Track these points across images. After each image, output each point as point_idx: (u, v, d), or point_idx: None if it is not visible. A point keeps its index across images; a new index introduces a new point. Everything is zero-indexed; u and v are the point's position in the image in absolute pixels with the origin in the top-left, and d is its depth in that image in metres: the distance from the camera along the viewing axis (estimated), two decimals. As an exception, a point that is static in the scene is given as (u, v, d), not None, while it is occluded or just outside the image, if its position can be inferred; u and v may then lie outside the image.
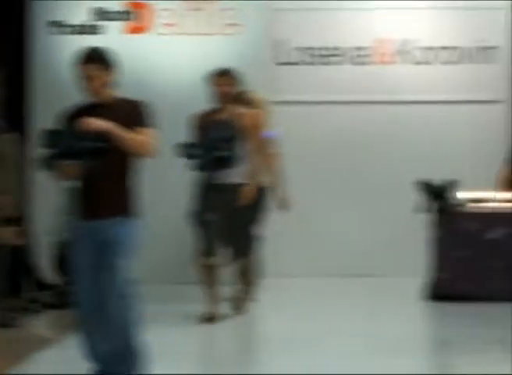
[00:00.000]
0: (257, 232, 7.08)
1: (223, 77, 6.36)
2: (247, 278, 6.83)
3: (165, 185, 8.40)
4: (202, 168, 6.36)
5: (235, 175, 6.38)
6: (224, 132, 6.30)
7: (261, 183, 6.65)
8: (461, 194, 7.77)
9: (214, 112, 6.41)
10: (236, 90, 6.47)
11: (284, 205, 7.13)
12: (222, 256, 6.63)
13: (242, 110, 6.47)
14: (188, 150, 6.35)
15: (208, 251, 6.50)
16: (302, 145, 8.75)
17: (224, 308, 6.80)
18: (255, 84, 7.84)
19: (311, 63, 8.89)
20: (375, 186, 8.90)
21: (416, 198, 7.68)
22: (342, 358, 5.81)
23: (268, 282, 8.13)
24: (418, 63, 8.89)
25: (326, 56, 8.90)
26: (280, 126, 8.29)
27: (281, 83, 8.81)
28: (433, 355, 6.33)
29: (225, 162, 6.30)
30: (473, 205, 7.77)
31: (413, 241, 8.09)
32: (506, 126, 8.54)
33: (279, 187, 6.98)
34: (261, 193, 6.74)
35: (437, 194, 7.75)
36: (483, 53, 8.82)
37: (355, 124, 8.96)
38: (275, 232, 8.41)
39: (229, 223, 6.44)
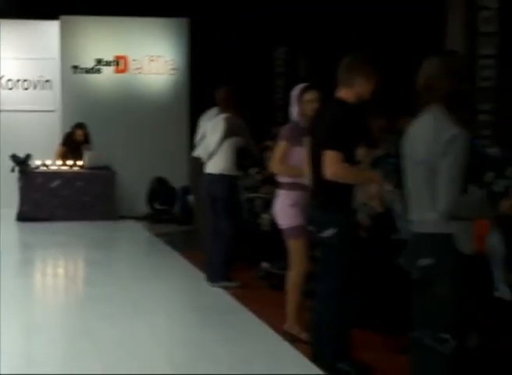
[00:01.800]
0: None
1: None
2: None
3: None
4: None
5: None
6: None
7: None
8: (36, 162, 10.29)
9: None
10: None
11: None
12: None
13: None
14: None
15: None
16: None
17: None
18: None
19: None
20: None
21: (12, 164, 10.14)
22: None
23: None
24: (9, 89, 11.52)
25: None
26: None
27: None
28: (19, 253, 8.11)
29: None
30: (42, 167, 10.33)
31: (13, 188, 10.20)
32: (59, 125, 11.01)
33: None
34: None
35: (20, 161, 10.32)
36: (44, 83, 11.61)
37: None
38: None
39: None
